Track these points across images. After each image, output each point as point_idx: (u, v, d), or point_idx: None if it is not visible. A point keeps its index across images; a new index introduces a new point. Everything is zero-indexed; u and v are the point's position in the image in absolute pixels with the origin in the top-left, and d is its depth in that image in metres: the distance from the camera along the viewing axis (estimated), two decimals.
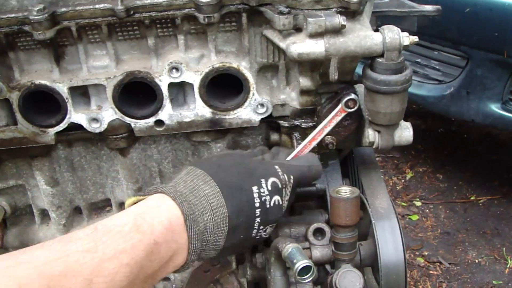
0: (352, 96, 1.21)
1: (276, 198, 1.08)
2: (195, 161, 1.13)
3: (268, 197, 1.06)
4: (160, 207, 0.95)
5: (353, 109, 1.20)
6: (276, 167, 1.11)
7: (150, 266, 0.89)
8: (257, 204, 1.05)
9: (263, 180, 1.06)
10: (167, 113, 1.26)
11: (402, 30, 1.12)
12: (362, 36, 1.11)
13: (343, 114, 1.21)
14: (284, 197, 1.10)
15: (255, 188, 1.05)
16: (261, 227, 1.07)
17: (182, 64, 1.21)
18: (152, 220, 0.92)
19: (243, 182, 1.05)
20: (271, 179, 1.08)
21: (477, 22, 3.12)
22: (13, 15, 1.13)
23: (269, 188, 1.07)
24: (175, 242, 0.94)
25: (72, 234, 0.88)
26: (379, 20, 1.51)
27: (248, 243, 1.12)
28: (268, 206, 1.06)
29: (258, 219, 1.05)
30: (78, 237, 0.86)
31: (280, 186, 1.09)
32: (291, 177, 1.12)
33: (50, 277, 0.77)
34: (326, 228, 1.23)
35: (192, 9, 1.16)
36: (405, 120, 1.24)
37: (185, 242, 0.96)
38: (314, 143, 1.23)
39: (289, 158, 1.22)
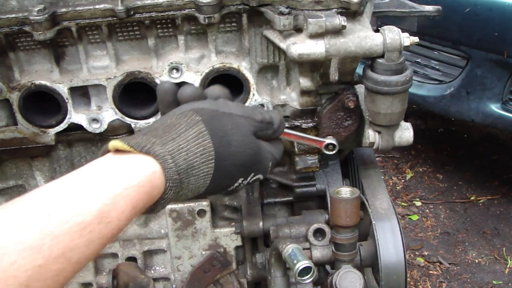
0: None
1: (244, 184, 1.03)
2: (208, 110, 0.95)
3: (241, 185, 1.02)
4: (143, 188, 0.81)
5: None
6: (270, 164, 1.05)
7: (98, 251, 0.77)
8: (229, 188, 1.01)
9: (252, 175, 1.01)
10: None
11: (402, 31, 1.12)
12: (363, 37, 1.11)
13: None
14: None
15: (240, 180, 1.00)
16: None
17: (183, 64, 1.21)
18: (125, 206, 0.78)
19: (237, 172, 0.98)
20: (258, 176, 1.03)
21: (477, 22, 3.12)
22: (13, 15, 1.13)
23: (250, 181, 1.03)
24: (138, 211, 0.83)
25: (17, 218, 0.70)
26: (380, 20, 1.51)
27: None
28: (233, 187, 1.01)
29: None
30: (25, 225, 0.69)
31: (259, 181, 1.06)
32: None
33: None
34: (326, 229, 1.23)
35: (193, 9, 1.15)
36: (405, 120, 1.24)
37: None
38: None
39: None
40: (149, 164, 0.83)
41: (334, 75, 1.12)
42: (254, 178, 1.03)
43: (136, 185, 0.80)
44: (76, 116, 1.25)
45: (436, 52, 3.51)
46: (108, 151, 0.87)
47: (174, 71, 1.22)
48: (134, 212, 0.80)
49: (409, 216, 3.62)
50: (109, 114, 1.26)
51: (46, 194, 0.76)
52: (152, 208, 0.87)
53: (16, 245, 0.67)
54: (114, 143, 0.84)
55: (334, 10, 1.12)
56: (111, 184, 0.78)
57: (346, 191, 1.15)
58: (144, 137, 0.87)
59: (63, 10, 1.14)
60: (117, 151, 0.86)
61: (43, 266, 0.68)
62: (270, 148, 1.05)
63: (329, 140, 1.21)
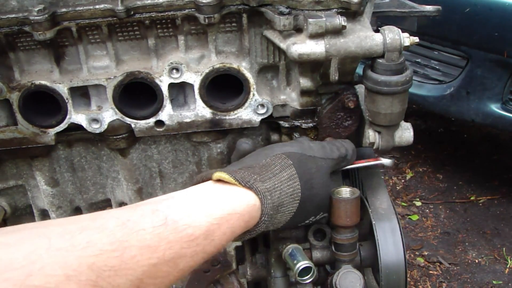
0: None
1: (312, 221, 1.16)
2: (297, 155, 1.07)
3: (309, 222, 1.15)
4: (243, 216, 0.92)
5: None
6: None
7: (197, 265, 0.87)
8: (299, 224, 1.14)
9: (321, 213, 1.14)
10: (167, 114, 1.26)
11: (403, 31, 1.12)
12: (363, 37, 1.11)
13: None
14: None
15: (312, 218, 1.13)
16: None
17: (183, 64, 1.21)
18: (227, 229, 0.88)
19: (313, 212, 1.12)
20: (325, 214, 1.16)
21: (477, 22, 3.12)
22: (13, 15, 1.13)
23: (318, 219, 1.16)
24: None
25: (138, 218, 0.79)
26: (380, 20, 1.51)
27: None
28: (303, 223, 1.15)
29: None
30: (143, 226, 0.78)
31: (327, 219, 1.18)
32: None
33: (100, 271, 0.70)
34: (327, 229, 1.23)
35: (193, 9, 1.15)
36: (405, 120, 1.24)
37: None
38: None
39: None
40: (250, 198, 0.95)
41: (334, 75, 1.12)
42: (322, 216, 1.15)
43: (239, 213, 0.91)
44: (76, 116, 1.25)
45: (436, 52, 3.51)
46: (210, 178, 0.99)
47: (174, 71, 1.22)
48: (232, 237, 0.91)
49: (409, 216, 3.63)
50: (109, 114, 1.26)
51: (163, 203, 0.86)
52: (240, 237, 0.98)
53: (137, 242, 0.75)
54: (220, 174, 0.97)
55: (334, 10, 1.12)
56: (219, 207, 0.89)
57: (346, 191, 1.15)
58: (246, 172, 0.99)
59: (63, 10, 1.14)
60: (220, 180, 0.97)
61: (156, 265, 0.77)
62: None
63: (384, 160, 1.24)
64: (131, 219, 0.78)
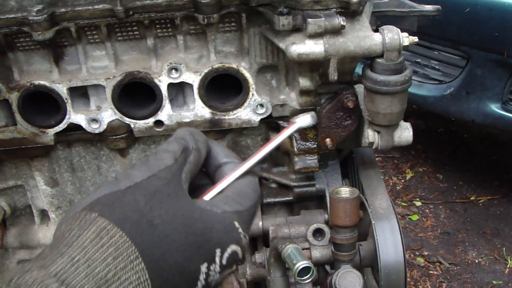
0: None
1: (227, 272, 0.72)
2: (104, 198, 0.66)
3: (218, 275, 0.70)
4: None
5: None
6: (236, 224, 0.72)
7: None
8: (199, 283, 0.69)
9: (218, 251, 0.70)
10: (167, 114, 1.26)
11: (402, 30, 1.12)
12: (362, 37, 1.11)
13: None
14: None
15: (204, 267, 0.68)
16: None
17: (182, 64, 1.21)
18: None
19: (189, 259, 0.67)
20: (231, 248, 0.71)
21: (477, 22, 3.12)
22: (12, 15, 1.13)
23: (224, 262, 0.70)
24: None
25: None
26: (379, 20, 1.51)
27: None
28: (212, 285, 0.71)
29: None
30: None
31: (239, 256, 0.72)
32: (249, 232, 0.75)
33: None
34: (326, 229, 1.23)
35: (192, 9, 1.15)
36: (405, 120, 1.24)
37: None
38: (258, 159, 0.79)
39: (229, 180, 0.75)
40: None
41: (333, 75, 1.12)
42: (227, 254, 0.71)
43: None
44: (75, 116, 1.25)
45: (436, 52, 3.51)
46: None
47: (173, 71, 1.22)
48: None
49: (409, 216, 3.62)
50: (108, 114, 1.26)
51: None
52: None
53: None
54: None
55: (333, 9, 1.11)
56: None
57: (345, 191, 1.15)
58: (28, 264, 0.61)
59: (62, 10, 1.14)
60: None
61: None
62: (227, 201, 0.73)
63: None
64: None
